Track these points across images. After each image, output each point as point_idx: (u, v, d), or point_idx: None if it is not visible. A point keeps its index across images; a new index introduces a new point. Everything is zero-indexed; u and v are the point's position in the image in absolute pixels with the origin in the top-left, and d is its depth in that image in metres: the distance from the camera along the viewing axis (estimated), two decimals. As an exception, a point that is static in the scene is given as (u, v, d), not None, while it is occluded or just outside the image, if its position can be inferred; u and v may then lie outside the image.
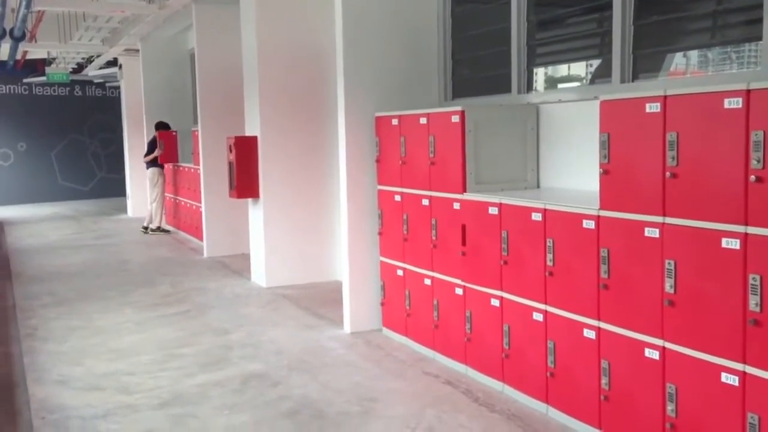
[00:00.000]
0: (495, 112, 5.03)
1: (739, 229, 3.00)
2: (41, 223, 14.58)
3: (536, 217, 4.10)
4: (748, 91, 2.95)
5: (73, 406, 4.53)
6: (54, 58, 15.72)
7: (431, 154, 5.03)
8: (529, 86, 5.25)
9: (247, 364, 5.27)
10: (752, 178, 2.93)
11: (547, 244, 4.03)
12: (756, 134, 2.91)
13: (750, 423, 3.01)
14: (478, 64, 5.97)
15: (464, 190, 4.76)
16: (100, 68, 16.53)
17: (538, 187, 4.99)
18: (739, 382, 3.05)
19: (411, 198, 5.34)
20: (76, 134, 19.41)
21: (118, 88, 17.42)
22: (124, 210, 15.94)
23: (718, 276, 3.11)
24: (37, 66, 16.54)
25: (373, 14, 5.80)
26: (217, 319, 6.57)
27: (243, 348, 5.67)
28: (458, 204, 4.81)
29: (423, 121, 5.11)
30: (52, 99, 18.98)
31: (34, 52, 14.41)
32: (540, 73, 5.42)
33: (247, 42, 7.96)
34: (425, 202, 5.16)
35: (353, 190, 5.89)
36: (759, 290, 2.94)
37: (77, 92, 19.31)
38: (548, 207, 4.03)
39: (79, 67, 16.84)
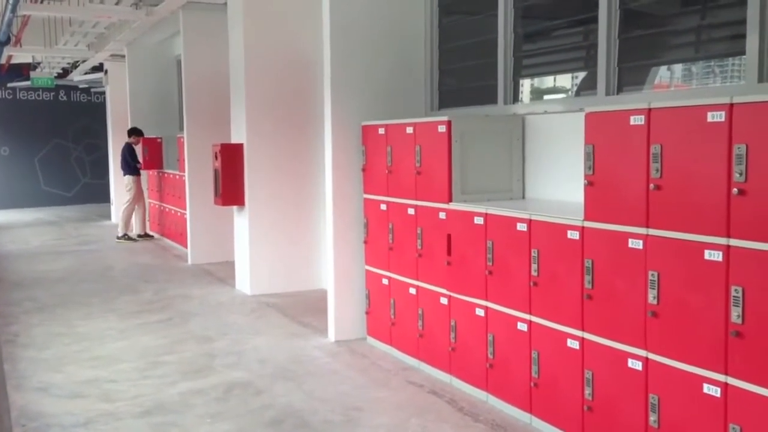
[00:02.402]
0: (481, 122, 5.05)
1: (722, 241, 3.03)
2: (23, 229, 14.45)
3: (521, 227, 4.12)
4: (731, 105, 2.98)
5: (54, 413, 4.48)
6: (39, 63, 15.62)
7: (417, 163, 5.04)
8: (515, 97, 5.28)
9: (231, 372, 5.24)
10: (735, 190, 2.96)
11: (532, 254, 4.05)
12: (738, 147, 2.95)
13: (731, 434, 3.03)
14: (465, 74, 6.01)
15: (450, 200, 4.78)
16: (86, 73, 16.45)
17: (524, 197, 5.01)
18: (721, 394, 3.07)
19: (397, 207, 5.35)
20: (60, 139, 19.27)
21: (103, 93, 17.31)
22: (107, 216, 15.82)
23: (701, 288, 3.13)
24: (22, 70, 16.43)
25: (361, 24, 5.82)
26: (201, 327, 6.53)
27: (226, 356, 5.64)
28: (444, 213, 4.82)
29: (409, 130, 5.12)
30: (37, 104, 18.85)
31: (19, 56, 14.31)
32: (526, 85, 5.46)
33: (234, 49, 7.95)
34: (411, 211, 5.17)
35: (339, 198, 5.89)
36: (741, 302, 2.97)
37: (62, 97, 19.18)
38: (533, 217, 4.05)
39: (64, 72, 16.75)
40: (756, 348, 2.93)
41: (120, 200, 14.90)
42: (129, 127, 12.61)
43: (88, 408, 4.56)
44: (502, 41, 5.23)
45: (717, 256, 3.05)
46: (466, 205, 4.62)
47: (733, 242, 2.99)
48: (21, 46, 11.94)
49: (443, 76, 6.04)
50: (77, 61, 15.31)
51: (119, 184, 14.92)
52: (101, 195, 17.71)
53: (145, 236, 12.51)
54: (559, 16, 5.14)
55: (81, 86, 18.76)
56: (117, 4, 9.49)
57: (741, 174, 2.94)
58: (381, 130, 5.48)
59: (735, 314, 2.99)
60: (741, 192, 2.94)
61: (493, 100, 5.36)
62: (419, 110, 6.04)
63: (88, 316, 7.00)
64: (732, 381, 3.03)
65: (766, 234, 2.87)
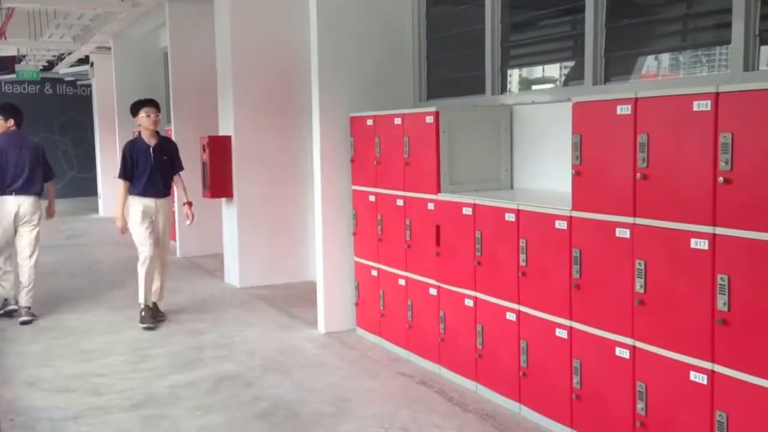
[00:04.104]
0: (469, 113, 5.05)
1: (708, 229, 3.05)
2: (10, 223, 14.32)
3: (509, 217, 4.13)
4: (717, 94, 3.00)
5: (43, 407, 4.46)
6: (24, 56, 15.47)
7: (406, 154, 5.04)
8: (503, 88, 5.28)
9: (220, 364, 5.24)
10: (720, 179, 2.98)
11: (520, 244, 4.06)
12: (724, 136, 2.96)
13: (718, 421, 3.06)
14: (453, 65, 6.00)
15: (438, 191, 4.78)
16: (71, 66, 16.31)
17: (512, 187, 5.02)
18: (707, 381, 3.10)
19: (385, 198, 5.34)
20: (46, 133, 19.07)
21: (89, 86, 17.18)
22: (95, 209, 15.75)
23: (687, 276, 3.15)
24: (7, 63, 16.27)
25: (348, 14, 5.79)
26: (190, 320, 6.52)
27: (216, 348, 5.63)
28: (432, 204, 4.82)
29: (398, 121, 5.12)
30: (22, 97, 18.63)
31: (4, 49, 14.15)
32: (514, 75, 5.46)
33: (221, 41, 7.91)
34: (400, 202, 5.17)
35: (328, 190, 5.88)
36: (727, 290, 2.99)
37: (48, 90, 19.01)
38: (521, 207, 4.06)
39: (50, 65, 16.60)
40: (742, 336, 2.96)
41: (107, 192, 14.84)
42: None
43: (77, 402, 4.55)
44: (490, 31, 5.23)
45: (703, 244, 3.07)
46: (455, 196, 4.63)
47: (719, 231, 3.01)
48: (6, 38, 11.83)
49: (431, 66, 6.04)
50: (63, 54, 15.18)
51: (107, 177, 14.87)
52: (89, 188, 17.60)
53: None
54: (546, 5, 5.13)
55: (67, 79, 18.60)
56: (102, -5, 9.42)
57: (727, 163, 2.96)
58: (369, 122, 5.47)
59: (721, 302, 3.01)
60: (727, 181, 2.96)
61: (481, 90, 5.36)
62: (408, 101, 6.03)
63: (76, 310, 6.97)
64: (718, 368, 3.05)
65: (751, 222, 2.89)
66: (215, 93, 8.24)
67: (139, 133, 6.53)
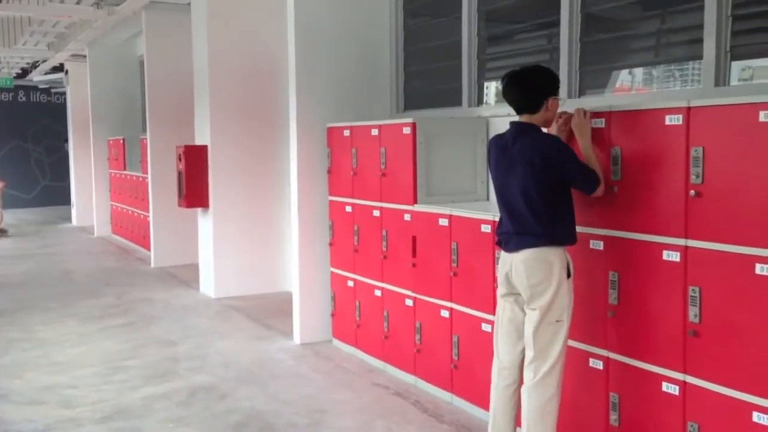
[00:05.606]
0: (446, 124, 5.08)
1: (680, 242, 3.09)
2: (-19, 232, 14.12)
3: (485, 228, 4.15)
4: (689, 109, 3.05)
5: (13, 420, 4.39)
6: (-3, 63, 15.31)
7: (382, 165, 5.05)
8: (480, 100, 5.32)
9: (194, 376, 5.19)
10: (692, 192, 3.02)
11: (496, 255, 4.07)
12: (695, 150, 3.01)
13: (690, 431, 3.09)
14: (430, 76, 6.03)
15: (415, 202, 4.79)
16: (46, 74, 16.15)
17: (488, 199, 5.04)
18: (679, 392, 3.13)
19: (362, 209, 5.34)
20: (20, 141, 18.90)
21: (64, 94, 17.02)
22: (69, 219, 15.56)
23: (660, 287, 3.19)
24: (-20, 70, 16.09)
25: (325, 25, 5.80)
26: (164, 331, 6.46)
27: (190, 360, 5.58)
28: (409, 215, 4.83)
29: (374, 132, 5.13)
30: (-5, 104, 18.47)
31: (-23, 56, 14.02)
32: (491, 87, 5.50)
33: (198, 50, 7.88)
34: (376, 213, 5.17)
35: (304, 200, 5.87)
36: (698, 302, 3.03)
37: (21, 98, 18.81)
38: (497, 219, 4.07)
39: (24, 72, 16.42)
40: (713, 347, 2.99)
41: (81, 201, 14.70)
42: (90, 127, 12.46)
43: (47, 414, 4.48)
44: (467, 44, 5.27)
45: (675, 256, 3.11)
46: (431, 207, 4.64)
47: (691, 243, 3.05)
48: (-22, 45, 11.69)
49: (408, 78, 6.06)
50: (37, 61, 15.02)
51: (81, 185, 14.70)
52: (62, 197, 17.40)
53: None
54: (523, 19, 5.19)
55: (41, 86, 18.41)
56: (78, 3, 9.32)
57: (698, 176, 3.00)
58: (346, 132, 5.47)
59: (692, 314, 3.05)
60: (698, 194, 3.01)
61: (457, 102, 5.39)
62: (384, 112, 6.05)
63: (48, 321, 6.87)
64: (690, 379, 3.09)
65: (722, 235, 2.94)
66: (191, 102, 8.21)
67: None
